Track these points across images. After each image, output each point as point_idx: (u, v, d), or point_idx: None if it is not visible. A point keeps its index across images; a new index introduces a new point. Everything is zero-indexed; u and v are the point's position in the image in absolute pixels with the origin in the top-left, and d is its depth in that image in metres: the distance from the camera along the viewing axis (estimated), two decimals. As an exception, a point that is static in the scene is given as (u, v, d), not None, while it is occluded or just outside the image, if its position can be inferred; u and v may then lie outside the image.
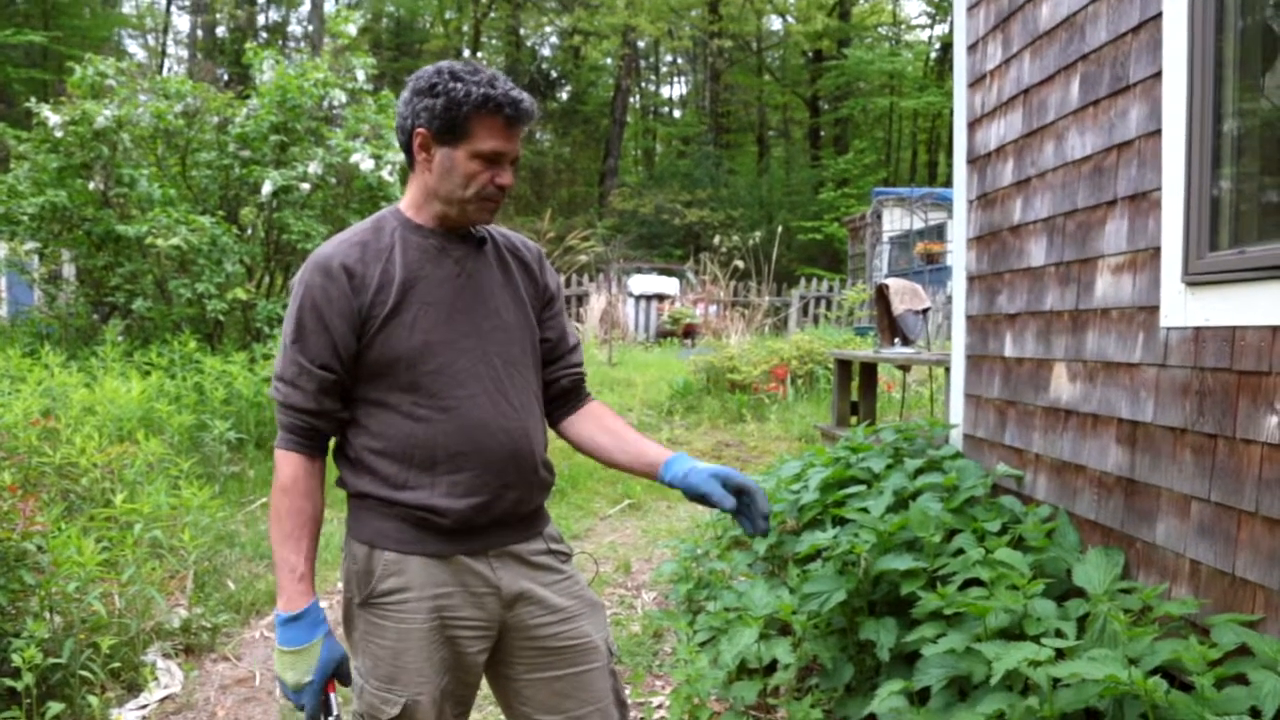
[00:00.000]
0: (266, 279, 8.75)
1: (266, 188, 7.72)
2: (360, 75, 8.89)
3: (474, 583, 1.68)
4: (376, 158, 8.17)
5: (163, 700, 3.29)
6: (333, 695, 1.65)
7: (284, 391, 1.65)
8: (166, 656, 3.55)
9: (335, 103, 8.63)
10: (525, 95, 1.63)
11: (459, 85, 1.58)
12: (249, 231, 8.37)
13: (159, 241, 7.27)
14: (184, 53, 33.23)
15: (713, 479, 1.63)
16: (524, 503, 1.73)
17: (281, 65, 8.51)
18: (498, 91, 1.59)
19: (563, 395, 1.88)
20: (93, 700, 2.96)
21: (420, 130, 1.62)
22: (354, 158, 7.98)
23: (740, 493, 1.64)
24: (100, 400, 5.49)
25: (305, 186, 7.97)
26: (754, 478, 4.27)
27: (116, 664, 3.26)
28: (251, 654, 3.76)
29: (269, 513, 1.65)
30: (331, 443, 1.74)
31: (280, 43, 31.06)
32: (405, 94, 1.65)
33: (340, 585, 1.76)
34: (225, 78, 24.45)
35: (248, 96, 8.47)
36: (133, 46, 31.90)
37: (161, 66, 30.12)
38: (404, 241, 1.68)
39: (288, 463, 1.65)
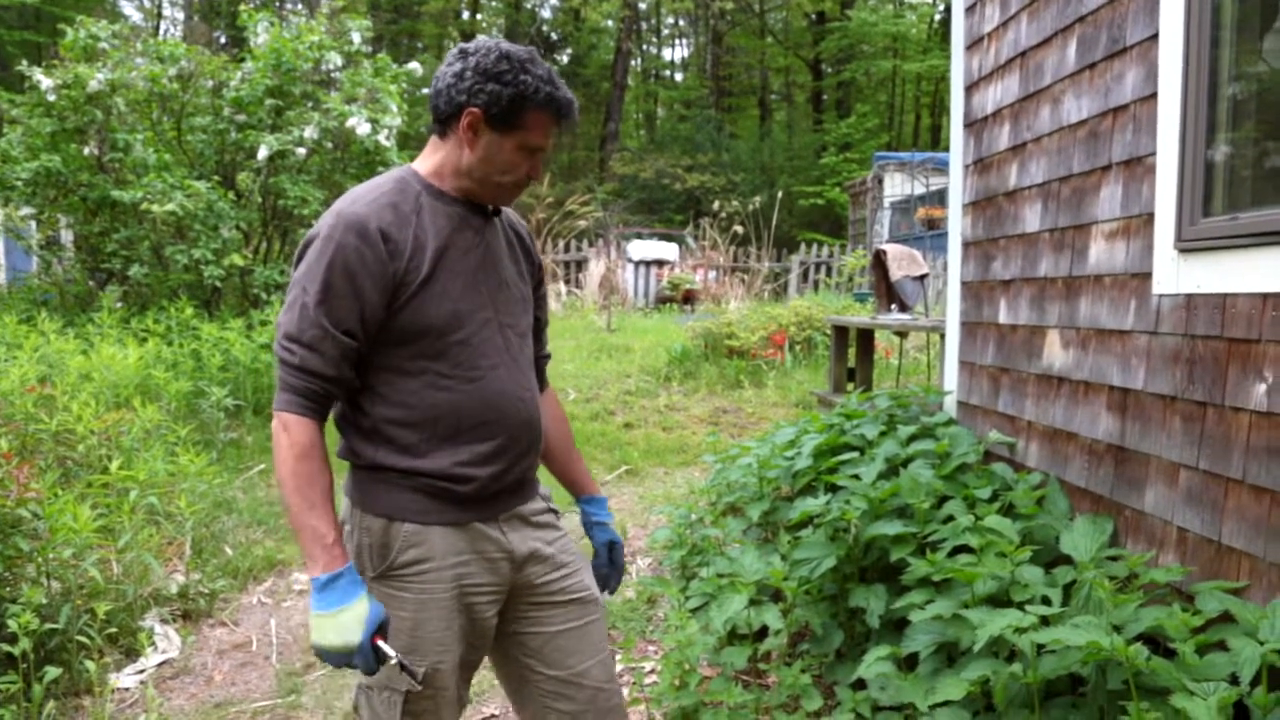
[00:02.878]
0: (264, 245, 8.71)
1: (262, 152, 7.66)
2: (356, 38, 8.79)
3: (489, 548, 1.71)
4: (373, 122, 8.10)
5: (160, 665, 3.33)
6: (381, 643, 1.58)
7: (300, 355, 1.57)
8: (164, 622, 3.59)
9: (331, 66, 8.55)
10: (574, 98, 1.68)
11: (528, 80, 1.60)
12: (245, 197, 8.32)
13: (154, 207, 7.23)
14: (179, 15, 32.84)
15: (604, 546, 1.97)
16: (531, 468, 1.81)
17: (276, 28, 8.41)
18: (560, 93, 1.63)
19: None
20: (90, 665, 2.98)
21: (475, 110, 1.60)
22: (350, 122, 7.91)
23: (613, 564, 1.98)
24: (97, 367, 5.50)
25: (301, 151, 7.91)
26: (749, 444, 4.30)
27: (114, 629, 3.29)
28: (249, 619, 3.79)
29: (286, 481, 1.56)
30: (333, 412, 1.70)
31: (277, 4, 30.61)
32: (461, 67, 1.60)
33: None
34: (222, 40, 24.18)
35: (243, 60, 8.38)
36: (128, 8, 31.45)
37: (157, 29, 29.72)
38: (431, 208, 1.65)
39: (304, 428, 1.58)
